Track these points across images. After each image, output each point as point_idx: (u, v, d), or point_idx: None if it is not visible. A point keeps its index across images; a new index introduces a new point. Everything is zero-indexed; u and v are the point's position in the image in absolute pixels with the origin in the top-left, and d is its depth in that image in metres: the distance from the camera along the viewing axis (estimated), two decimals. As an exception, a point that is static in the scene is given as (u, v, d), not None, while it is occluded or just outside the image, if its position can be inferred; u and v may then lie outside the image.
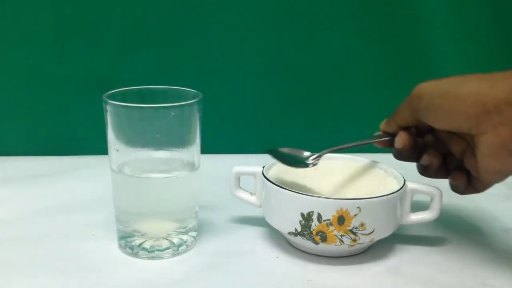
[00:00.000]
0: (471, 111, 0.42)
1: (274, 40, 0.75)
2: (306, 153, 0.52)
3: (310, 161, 0.51)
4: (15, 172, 0.70)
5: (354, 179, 0.53)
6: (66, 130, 0.76)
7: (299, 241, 0.49)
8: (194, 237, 0.52)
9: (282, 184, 0.49)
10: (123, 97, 0.48)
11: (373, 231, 0.47)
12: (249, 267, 0.48)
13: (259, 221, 0.55)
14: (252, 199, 0.53)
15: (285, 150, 0.52)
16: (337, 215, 0.46)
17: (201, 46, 0.74)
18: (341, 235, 0.47)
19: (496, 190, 0.50)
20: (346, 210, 0.46)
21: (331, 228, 0.46)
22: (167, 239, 0.50)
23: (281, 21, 0.74)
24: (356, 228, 0.47)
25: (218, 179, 0.58)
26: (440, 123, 0.46)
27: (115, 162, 0.49)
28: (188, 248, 0.51)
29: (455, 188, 0.50)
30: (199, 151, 0.50)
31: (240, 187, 0.54)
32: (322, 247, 0.48)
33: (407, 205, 0.50)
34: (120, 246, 0.51)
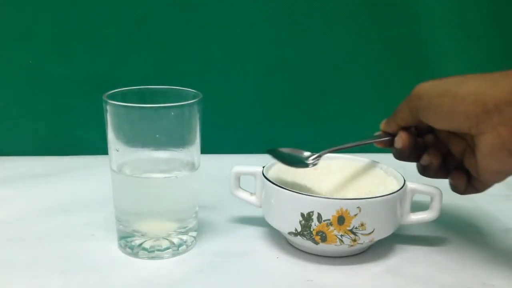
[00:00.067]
0: (471, 111, 0.42)
1: (274, 40, 0.75)
2: (306, 153, 0.52)
3: (310, 161, 0.51)
4: (15, 172, 0.70)
5: (354, 179, 0.53)
6: (66, 130, 0.76)
7: (299, 241, 0.49)
8: (194, 237, 0.52)
9: (282, 184, 0.49)
10: (123, 97, 0.48)
11: (373, 231, 0.47)
12: (249, 267, 0.48)
13: (259, 221, 0.55)
14: (252, 199, 0.53)
15: (285, 150, 0.52)
16: (337, 215, 0.46)
17: (201, 46, 0.74)
18: (341, 235, 0.47)
19: (496, 190, 0.50)
20: (346, 210, 0.46)
21: (331, 228, 0.46)
22: (167, 239, 0.50)
23: (281, 21, 0.74)
24: (356, 228, 0.47)
25: (218, 179, 0.58)
26: (440, 123, 0.46)
27: (115, 162, 0.49)
28: (188, 248, 0.51)
29: (455, 188, 0.50)
30: (199, 151, 0.50)
31: (240, 187, 0.54)
32: (322, 247, 0.48)
33: (407, 205, 0.50)
34: (120, 246, 0.51)
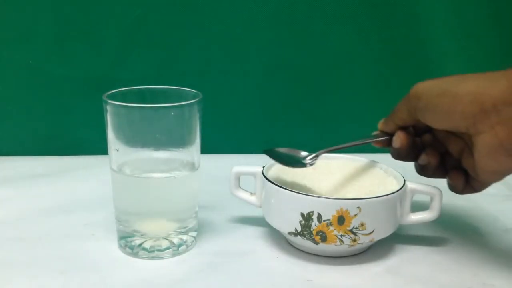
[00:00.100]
0: (468, 111, 0.42)
1: (274, 40, 0.75)
2: (304, 153, 0.52)
3: (307, 161, 0.52)
4: (15, 172, 0.70)
5: (354, 179, 0.53)
6: (66, 130, 0.76)
7: (299, 241, 0.49)
8: (194, 237, 0.52)
9: (282, 184, 0.49)
10: (123, 97, 0.48)
11: (373, 231, 0.47)
12: (249, 267, 0.48)
13: (259, 221, 0.55)
14: (252, 199, 0.53)
15: (282, 150, 0.52)
16: (337, 215, 0.46)
17: (201, 46, 0.74)
18: (341, 235, 0.47)
19: (496, 190, 0.50)
20: (346, 210, 0.46)
21: (331, 228, 0.46)
22: (167, 239, 0.50)
23: (281, 21, 0.74)
24: (356, 228, 0.47)
25: (218, 179, 0.58)
26: (438, 122, 0.46)
27: (115, 162, 0.49)
28: (188, 248, 0.51)
29: (453, 187, 0.50)
30: (199, 151, 0.50)
31: (240, 187, 0.54)
32: (322, 247, 0.48)
33: (407, 205, 0.50)
34: (120, 246, 0.51)
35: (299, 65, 0.76)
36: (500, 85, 0.41)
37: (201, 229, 0.54)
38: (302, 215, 0.47)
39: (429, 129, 0.50)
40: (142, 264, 0.48)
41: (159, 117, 0.47)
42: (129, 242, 0.50)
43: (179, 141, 0.49)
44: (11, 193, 0.63)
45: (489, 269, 0.48)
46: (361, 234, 0.47)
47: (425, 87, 0.46)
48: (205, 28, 0.74)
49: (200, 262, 0.49)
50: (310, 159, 0.52)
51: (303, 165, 0.51)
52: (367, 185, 0.52)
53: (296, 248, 0.51)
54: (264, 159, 0.52)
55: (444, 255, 0.51)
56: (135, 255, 0.49)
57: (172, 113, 0.47)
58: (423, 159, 0.50)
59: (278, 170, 0.53)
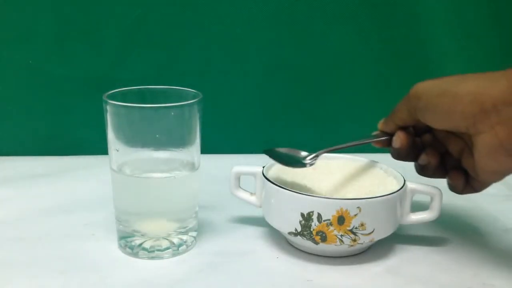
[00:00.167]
0: (468, 111, 0.42)
1: (274, 40, 0.75)
2: (303, 153, 0.52)
3: (307, 160, 0.52)
4: (15, 172, 0.70)
5: (354, 179, 0.53)
6: (66, 130, 0.76)
7: (299, 241, 0.49)
8: (194, 237, 0.52)
9: (282, 184, 0.49)
10: (123, 97, 0.48)
11: (373, 231, 0.47)
12: (249, 267, 0.48)
13: (259, 221, 0.55)
14: (252, 199, 0.53)
15: (282, 150, 0.52)
16: (337, 215, 0.46)
17: (201, 46, 0.74)
18: (341, 235, 0.47)
19: (496, 190, 0.50)
20: (346, 210, 0.46)
21: (331, 228, 0.46)
22: (167, 239, 0.50)
23: (281, 21, 0.74)
24: (356, 228, 0.47)
25: (218, 179, 0.58)
26: (438, 122, 0.46)
27: (115, 162, 0.49)
28: (188, 248, 0.51)
29: (453, 187, 0.50)
30: (199, 151, 0.50)
31: (240, 187, 0.54)
32: (322, 247, 0.48)
33: (407, 205, 0.50)
34: (120, 246, 0.51)
35: (299, 65, 0.76)
36: (500, 85, 0.41)
37: (201, 229, 0.54)
38: (302, 215, 0.47)
39: (429, 129, 0.50)
40: (142, 264, 0.48)
41: (159, 117, 0.47)
42: (129, 242, 0.50)
43: (179, 141, 0.49)
44: (11, 193, 0.63)
45: (489, 269, 0.48)
46: (361, 234, 0.47)
47: (425, 87, 0.46)
48: (205, 28, 0.74)
49: (200, 262, 0.49)
50: (310, 159, 0.52)
51: (303, 165, 0.51)
52: (367, 185, 0.52)
53: (296, 248, 0.51)
54: (264, 159, 0.52)
55: (444, 255, 0.51)
56: (135, 255, 0.49)
57: (172, 113, 0.47)
58: (423, 159, 0.50)
59: (278, 170, 0.53)
